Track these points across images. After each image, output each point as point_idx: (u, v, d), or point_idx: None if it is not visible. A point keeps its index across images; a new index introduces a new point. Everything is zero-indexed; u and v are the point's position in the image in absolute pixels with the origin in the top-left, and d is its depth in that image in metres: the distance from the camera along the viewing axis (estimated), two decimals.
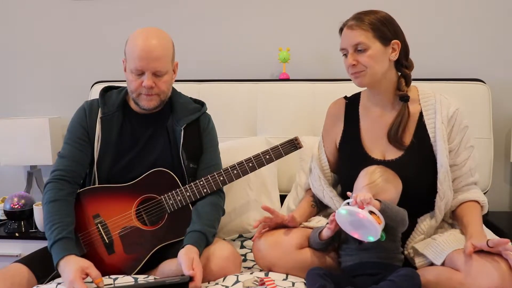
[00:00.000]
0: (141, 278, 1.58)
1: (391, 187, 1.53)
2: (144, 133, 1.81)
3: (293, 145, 1.81)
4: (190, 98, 1.93)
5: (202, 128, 1.86)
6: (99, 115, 1.80)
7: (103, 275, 1.61)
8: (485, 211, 1.66)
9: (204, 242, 1.65)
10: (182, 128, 1.79)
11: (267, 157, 1.79)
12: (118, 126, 1.80)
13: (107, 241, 1.70)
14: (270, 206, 1.66)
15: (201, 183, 1.75)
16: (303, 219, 1.74)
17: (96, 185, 1.78)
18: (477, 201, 1.64)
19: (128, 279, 1.58)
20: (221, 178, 1.77)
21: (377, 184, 1.52)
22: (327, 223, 1.56)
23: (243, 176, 1.79)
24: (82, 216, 1.72)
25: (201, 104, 1.93)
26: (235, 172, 1.78)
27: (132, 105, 1.83)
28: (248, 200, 2.09)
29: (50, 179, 1.74)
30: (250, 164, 1.78)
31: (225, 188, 1.87)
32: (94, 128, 1.79)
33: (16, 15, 2.74)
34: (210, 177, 1.76)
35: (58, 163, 1.79)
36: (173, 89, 1.88)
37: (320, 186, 1.77)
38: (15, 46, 2.76)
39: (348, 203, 1.47)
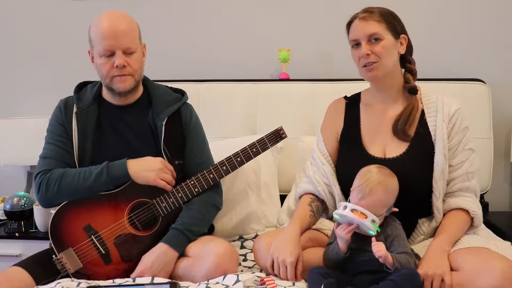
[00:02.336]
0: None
1: (380, 189, 1.48)
2: (124, 127, 1.78)
3: (278, 135, 1.79)
4: (170, 88, 1.90)
5: (184, 121, 1.82)
6: (74, 110, 1.78)
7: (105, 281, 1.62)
8: (477, 224, 1.60)
9: (182, 239, 1.66)
10: (163, 123, 1.76)
11: (254, 150, 1.77)
12: (94, 119, 1.77)
13: (103, 252, 1.67)
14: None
15: (192, 182, 1.73)
16: (303, 230, 1.65)
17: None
18: (467, 211, 1.59)
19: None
20: (211, 176, 1.75)
21: (365, 187, 1.49)
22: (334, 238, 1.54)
23: (232, 171, 1.77)
24: (73, 228, 1.68)
25: (182, 93, 1.88)
26: (224, 168, 1.75)
27: (107, 97, 1.80)
28: (249, 201, 2.09)
29: (37, 183, 1.71)
30: (239, 159, 1.76)
31: (225, 190, 1.87)
32: (71, 124, 1.76)
33: (16, 15, 2.73)
34: (200, 175, 1.74)
35: (41, 165, 1.75)
36: (149, 80, 1.87)
37: (333, 184, 1.71)
38: (15, 46, 2.75)
39: (345, 206, 1.48)
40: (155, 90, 1.84)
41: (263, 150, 1.78)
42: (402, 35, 1.65)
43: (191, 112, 1.86)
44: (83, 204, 1.70)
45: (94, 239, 1.68)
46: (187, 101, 1.88)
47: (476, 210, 1.60)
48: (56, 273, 1.65)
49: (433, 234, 1.62)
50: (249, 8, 2.57)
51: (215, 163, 1.78)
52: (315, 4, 2.52)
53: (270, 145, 1.79)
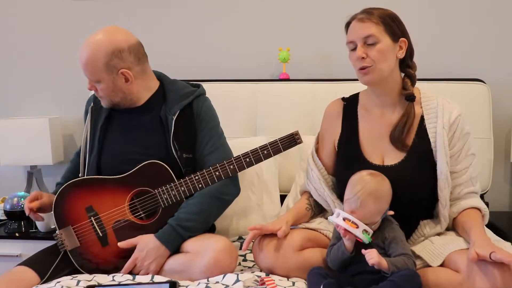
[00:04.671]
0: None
1: (370, 201, 1.47)
2: (136, 123, 1.81)
3: (292, 140, 1.72)
4: (188, 82, 1.91)
5: (195, 114, 1.82)
6: (92, 104, 1.86)
7: (98, 266, 1.70)
8: (486, 221, 1.62)
9: (174, 236, 1.67)
10: (173, 117, 1.76)
11: (265, 152, 1.72)
12: (106, 114, 1.83)
13: (100, 234, 1.71)
14: (256, 225, 1.62)
15: (196, 178, 1.72)
16: (295, 220, 1.69)
17: (89, 176, 1.79)
18: (478, 209, 1.60)
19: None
20: (217, 173, 1.73)
21: (356, 200, 1.48)
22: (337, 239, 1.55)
23: (239, 171, 1.74)
24: (75, 207, 1.73)
25: (197, 86, 1.89)
26: (231, 167, 1.73)
27: None
28: (250, 203, 2.09)
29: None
30: (248, 159, 1.73)
31: None
32: (86, 116, 1.87)
33: (16, 15, 2.74)
34: (206, 171, 1.73)
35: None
36: (166, 77, 1.89)
37: (321, 188, 1.73)
38: (15, 46, 2.75)
39: (338, 214, 1.49)
40: (171, 85, 1.86)
41: (275, 153, 1.72)
42: (402, 39, 1.60)
43: (203, 104, 1.85)
44: (88, 185, 1.75)
45: (93, 220, 1.72)
46: (205, 95, 1.89)
47: (486, 208, 1.62)
48: (60, 270, 1.68)
49: (433, 236, 1.62)
50: (249, 8, 2.57)
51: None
52: (315, 4, 2.52)
53: (283, 149, 1.71)
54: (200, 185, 1.73)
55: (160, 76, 1.90)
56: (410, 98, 1.62)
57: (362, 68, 1.58)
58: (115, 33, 1.73)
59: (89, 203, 1.73)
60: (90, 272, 1.68)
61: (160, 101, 1.82)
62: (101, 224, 1.71)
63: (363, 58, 1.56)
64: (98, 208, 1.72)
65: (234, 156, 1.75)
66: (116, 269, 1.69)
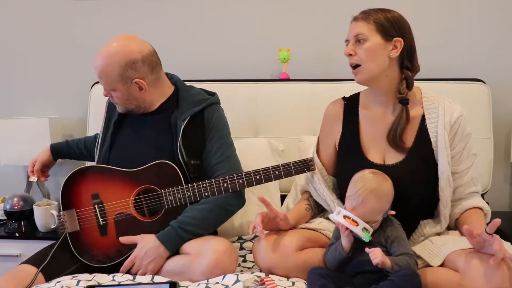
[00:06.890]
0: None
1: (372, 198, 1.48)
2: (147, 124, 1.84)
3: (306, 166, 1.73)
4: (204, 90, 1.93)
5: (206, 122, 1.83)
6: (109, 100, 1.90)
7: (93, 254, 1.72)
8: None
9: (174, 237, 1.68)
10: (183, 123, 1.78)
11: (276, 173, 1.72)
12: (118, 113, 1.87)
13: (101, 223, 1.74)
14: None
15: (204, 185, 1.73)
16: (296, 222, 1.69)
17: (102, 165, 1.82)
18: (480, 208, 1.62)
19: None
20: (225, 185, 1.73)
21: (357, 196, 1.48)
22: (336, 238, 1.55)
23: (247, 187, 1.75)
24: (82, 192, 1.77)
25: (212, 94, 1.91)
26: (240, 181, 1.73)
27: None
28: (250, 203, 2.08)
29: None
30: (258, 177, 1.73)
31: None
32: (103, 111, 1.93)
33: (16, 15, 2.74)
34: (215, 181, 1.73)
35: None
36: (181, 82, 1.92)
37: (321, 189, 1.73)
38: (15, 46, 2.75)
39: (339, 211, 1.49)
40: (185, 92, 1.88)
41: (286, 176, 1.73)
42: (396, 38, 1.59)
43: (214, 113, 1.85)
44: (99, 173, 1.78)
45: (97, 208, 1.75)
46: (219, 104, 1.91)
47: (488, 207, 1.64)
48: (63, 269, 1.70)
49: (432, 235, 1.62)
50: (249, 8, 2.57)
51: (239, 170, 1.80)
52: (315, 4, 2.52)
53: (295, 173, 1.73)
54: (206, 193, 1.73)
55: (176, 82, 1.92)
56: (402, 102, 1.61)
57: (352, 67, 1.61)
58: (129, 43, 1.74)
59: (96, 191, 1.76)
60: (83, 257, 1.73)
61: (173, 106, 1.84)
62: (104, 213, 1.74)
63: (350, 55, 1.60)
64: (104, 197, 1.75)
65: (244, 170, 1.77)
66: (109, 259, 1.72)
